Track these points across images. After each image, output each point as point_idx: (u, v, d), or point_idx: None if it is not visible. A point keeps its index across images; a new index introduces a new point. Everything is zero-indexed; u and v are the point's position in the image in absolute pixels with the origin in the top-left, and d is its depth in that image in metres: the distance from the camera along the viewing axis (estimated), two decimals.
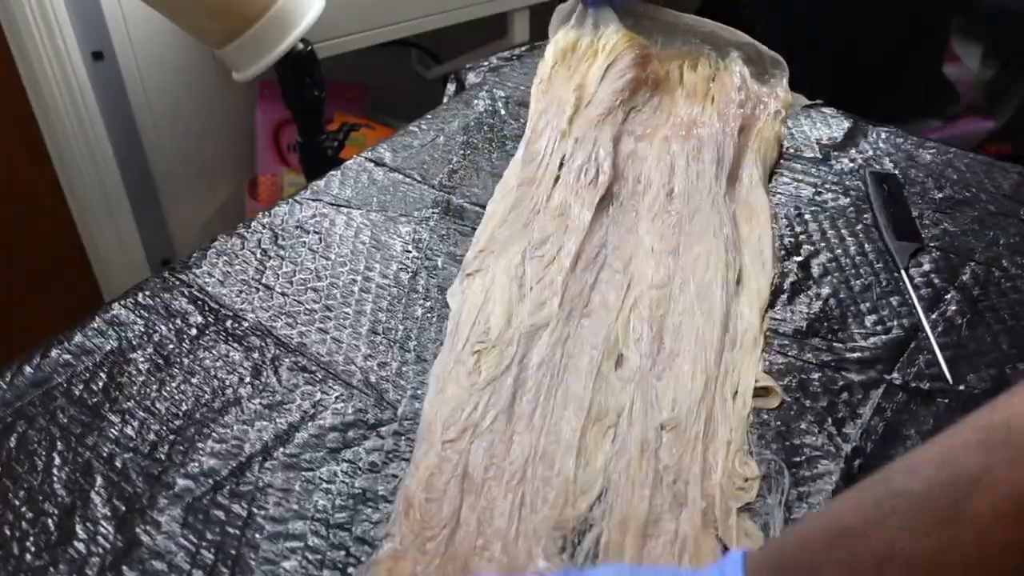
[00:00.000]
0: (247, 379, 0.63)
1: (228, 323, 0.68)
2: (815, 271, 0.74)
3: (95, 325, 0.67)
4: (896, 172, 0.86)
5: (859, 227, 0.79)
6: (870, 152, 0.90)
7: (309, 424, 0.60)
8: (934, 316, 0.69)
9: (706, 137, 0.86)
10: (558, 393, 0.62)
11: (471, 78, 1.06)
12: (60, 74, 1.37)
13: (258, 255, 0.75)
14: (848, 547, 0.40)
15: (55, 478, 0.56)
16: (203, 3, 1.10)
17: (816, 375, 0.64)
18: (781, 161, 0.88)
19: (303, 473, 0.57)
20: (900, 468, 0.41)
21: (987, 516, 0.36)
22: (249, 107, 1.62)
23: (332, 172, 0.86)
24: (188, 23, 1.16)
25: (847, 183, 0.85)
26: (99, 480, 0.56)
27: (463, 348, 0.65)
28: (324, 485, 0.56)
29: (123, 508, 0.54)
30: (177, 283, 0.72)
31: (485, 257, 0.74)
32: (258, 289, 0.72)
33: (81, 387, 0.62)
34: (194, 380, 0.63)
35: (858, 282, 0.73)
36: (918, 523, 0.38)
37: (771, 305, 0.70)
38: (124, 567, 0.51)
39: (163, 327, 0.68)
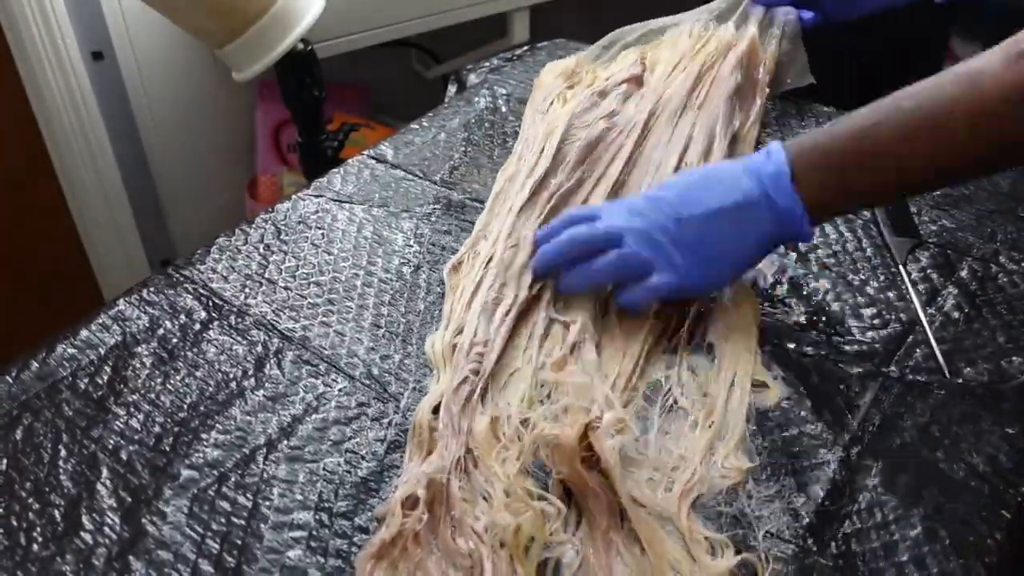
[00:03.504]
0: (251, 372, 0.64)
1: (231, 317, 0.69)
2: (814, 266, 0.75)
3: (100, 320, 0.68)
4: None
5: (858, 223, 0.80)
6: None
7: (312, 416, 0.60)
8: (931, 311, 0.70)
9: (707, 110, 0.86)
10: (551, 385, 0.62)
11: (472, 79, 1.06)
12: (60, 74, 1.38)
13: (261, 250, 0.76)
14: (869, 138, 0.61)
15: (61, 470, 0.56)
16: (203, 3, 1.10)
17: (814, 368, 0.65)
18: None
19: (307, 464, 0.57)
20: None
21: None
22: (249, 107, 1.62)
23: (334, 169, 0.87)
24: (188, 23, 1.16)
25: None
26: (105, 472, 0.56)
27: (447, 334, 0.65)
28: (327, 476, 0.56)
29: (129, 499, 0.55)
30: (181, 278, 0.72)
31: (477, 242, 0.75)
32: (261, 283, 0.72)
33: (86, 381, 0.63)
34: (198, 373, 0.64)
35: (857, 277, 0.74)
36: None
37: (769, 300, 0.71)
38: (131, 557, 0.51)
39: (167, 321, 0.68)
